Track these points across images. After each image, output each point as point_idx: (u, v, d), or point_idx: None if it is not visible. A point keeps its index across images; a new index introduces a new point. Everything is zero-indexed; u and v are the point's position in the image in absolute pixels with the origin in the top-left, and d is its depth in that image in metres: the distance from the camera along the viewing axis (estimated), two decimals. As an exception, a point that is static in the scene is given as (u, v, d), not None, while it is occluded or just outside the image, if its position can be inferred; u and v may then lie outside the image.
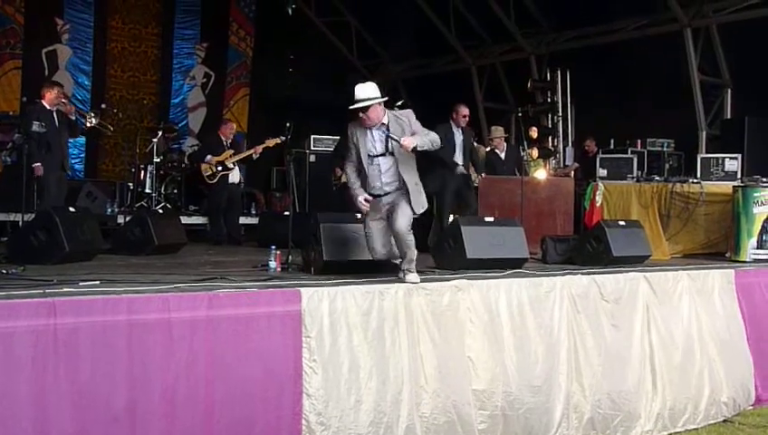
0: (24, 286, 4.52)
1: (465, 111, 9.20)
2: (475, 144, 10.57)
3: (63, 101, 8.67)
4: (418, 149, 5.59)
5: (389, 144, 5.56)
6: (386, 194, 5.63)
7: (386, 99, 5.74)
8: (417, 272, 5.57)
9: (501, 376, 5.45)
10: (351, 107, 5.60)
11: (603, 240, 7.38)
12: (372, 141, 5.63)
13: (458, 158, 9.08)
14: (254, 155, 10.49)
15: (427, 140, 5.66)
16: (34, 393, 3.74)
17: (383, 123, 5.62)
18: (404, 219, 5.54)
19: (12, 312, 3.76)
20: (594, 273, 6.45)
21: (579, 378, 5.93)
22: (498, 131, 10.46)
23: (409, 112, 5.81)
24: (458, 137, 9.13)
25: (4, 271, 5.30)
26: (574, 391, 5.87)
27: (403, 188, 5.60)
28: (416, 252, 5.62)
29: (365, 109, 5.54)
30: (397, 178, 5.62)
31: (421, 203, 5.66)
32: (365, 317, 4.92)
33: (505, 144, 10.42)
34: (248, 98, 15.32)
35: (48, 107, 8.34)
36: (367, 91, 5.63)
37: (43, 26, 12.86)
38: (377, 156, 5.61)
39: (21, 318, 3.75)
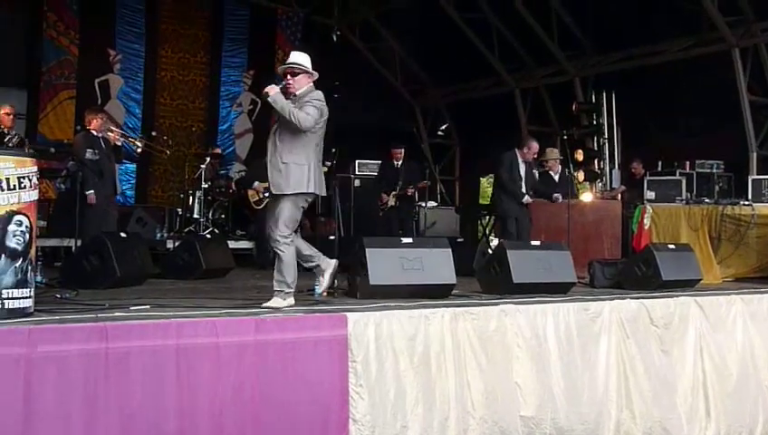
0: (76, 311, 4.59)
1: (536, 147, 9.31)
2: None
3: (112, 127, 8.86)
4: (272, 104, 5.36)
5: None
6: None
7: (316, 75, 5.67)
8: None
9: (549, 402, 5.37)
10: (281, 66, 5.61)
11: (652, 264, 7.26)
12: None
13: (523, 187, 9.19)
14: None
15: (290, 108, 5.32)
16: (86, 417, 3.77)
17: (295, 94, 5.52)
18: (276, 219, 5.33)
19: (65, 336, 3.82)
20: (643, 297, 6.34)
21: (629, 405, 5.82)
22: (553, 153, 10.41)
23: (318, 93, 5.57)
24: (523, 167, 9.19)
25: (58, 295, 5.39)
26: (624, 419, 5.75)
27: (277, 170, 5.36)
28: (288, 264, 5.33)
29: (294, 73, 5.50)
30: (273, 153, 5.43)
31: (295, 184, 5.32)
32: (411, 342, 4.89)
33: (560, 166, 10.34)
34: (294, 124, 15.45)
35: (96, 134, 8.51)
36: (301, 58, 5.62)
37: (96, 57, 13.19)
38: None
39: (74, 342, 3.80)
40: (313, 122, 5.42)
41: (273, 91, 5.43)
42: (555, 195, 9.45)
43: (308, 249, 5.74)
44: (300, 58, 5.64)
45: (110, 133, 8.82)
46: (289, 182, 5.38)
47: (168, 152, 10.99)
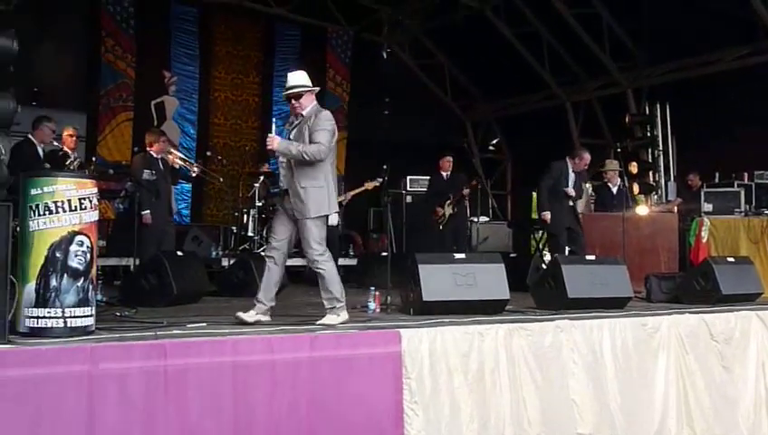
0: (136, 328, 4.69)
1: (588, 158, 9.25)
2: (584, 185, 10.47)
3: (171, 150, 9.03)
4: (279, 156, 5.41)
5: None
6: (286, 192, 5.50)
7: (317, 89, 5.72)
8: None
9: (607, 420, 5.29)
10: (284, 93, 5.60)
11: (711, 277, 7.11)
12: (289, 130, 5.60)
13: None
14: (343, 201, 10.63)
15: (299, 150, 5.33)
16: (146, 433, 3.84)
17: (302, 114, 5.53)
18: (307, 241, 5.35)
19: (126, 353, 3.90)
20: (703, 311, 6.21)
21: (689, 422, 5.70)
22: (613, 164, 10.29)
23: (326, 114, 5.54)
24: (572, 177, 9.15)
25: (118, 313, 5.51)
26: (685, 436, 5.64)
27: (297, 196, 5.37)
28: (332, 279, 5.41)
29: (298, 96, 5.52)
30: (290, 179, 5.43)
31: (317, 207, 5.35)
32: (465, 358, 4.87)
33: (618, 179, 10.20)
34: (345, 141, 15.56)
35: (155, 155, 8.67)
36: (299, 78, 5.61)
37: (153, 79, 13.47)
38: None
39: (134, 359, 3.88)
40: (328, 150, 5.42)
41: (275, 143, 5.40)
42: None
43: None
44: (298, 79, 5.62)
45: (169, 155, 9.00)
46: (310, 207, 5.39)
47: (221, 179, 11.19)
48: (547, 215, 9.16)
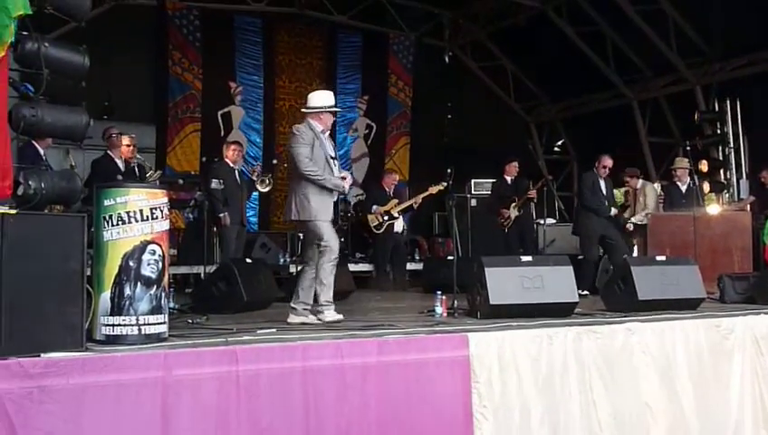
0: (207, 335, 4.77)
1: (608, 161, 9.21)
2: (639, 181, 10.30)
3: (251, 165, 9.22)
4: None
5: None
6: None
7: (316, 109, 6.25)
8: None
9: (680, 423, 5.16)
10: (332, 109, 6.28)
11: (787, 277, 6.89)
12: (328, 144, 6.20)
13: (607, 205, 9.12)
14: (414, 205, 10.64)
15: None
16: (219, 437, 3.91)
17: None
18: None
19: (198, 360, 3.97)
20: (779, 312, 6.02)
21: (766, 425, 5.52)
22: (683, 162, 10.14)
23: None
24: (603, 184, 9.15)
25: (190, 320, 5.61)
26: (762, 439, 5.47)
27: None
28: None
29: (336, 113, 6.27)
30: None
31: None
32: (534, 362, 4.82)
33: (688, 177, 10.00)
34: (409, 146, 15.58)
35: (231, 164, 8.82)
36: (333, 98, 6.33)
37: (219, 90, 13.71)
38: (333, 158, 6.16)
39: (206, 365, 3.95)
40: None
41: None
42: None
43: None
44: (332, 98, 6.36)
45: (250, 168, 9.19)
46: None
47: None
48: (615, 211, 9.30)
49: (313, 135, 6.06)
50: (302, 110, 6.25)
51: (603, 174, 9.15)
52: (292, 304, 5.90)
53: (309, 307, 5.90)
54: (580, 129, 15.85)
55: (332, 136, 6.89)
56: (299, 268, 6.48)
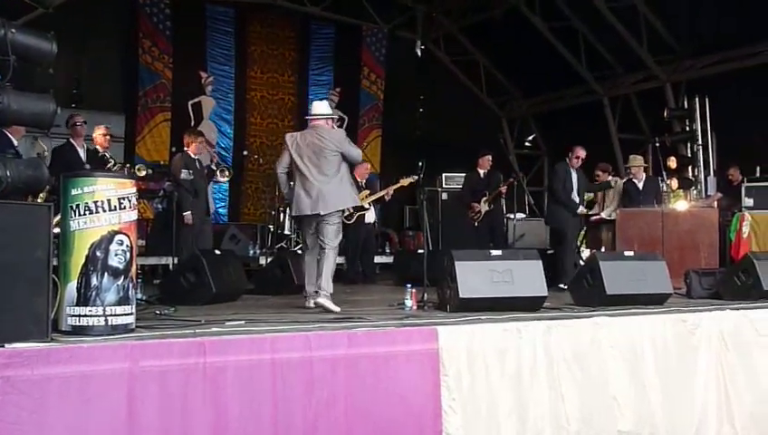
0: (175, 326, 4.73)
1: (581, 152, 9.25)
2: (610, 176, 10.41)
3: (209, 150, 9.12)
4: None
5: None
6: None
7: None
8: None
9: (647, 417, 5.22)
10: (336, 115, 6.88)
11: (752, 273, 6.97)
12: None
13: (575, 197, 9.15)
14: (386, 196, 10.64)
15: None
16: (185, 430, 3.88)
17: None
18: None
19: (165, 351, 3.94)
20: (744, 308, 6.10)
21: (730, 419, 5.60)
22: (636, 160, 10.26)
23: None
24: (574, 176, 9.20)
25: (158, 312, 5.56)
26: (725, 433, 5.54)
27: None
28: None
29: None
30: None
31: None
32: (503, 355, 4.84)
33: (644, 174, 10.16)
34: (381, 139, 15.59)
35: (193, 156, 8.75)
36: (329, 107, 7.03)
37: (189, 80, 13.61)
38: None
39: (174, 357, 3.91)
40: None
41: None
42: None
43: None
44: (329, 108, 7.10)
45: (208, 153, 9.10)
46: None
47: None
48: (583, 210, 9.39)
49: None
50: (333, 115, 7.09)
51: (576, 165, 9.20)
52: (323, 291, 6.23)
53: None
54: (552, 124, 15.98)
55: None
56: (306, 258, 6.80)
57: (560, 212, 9.13)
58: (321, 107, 6.93)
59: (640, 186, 10.01)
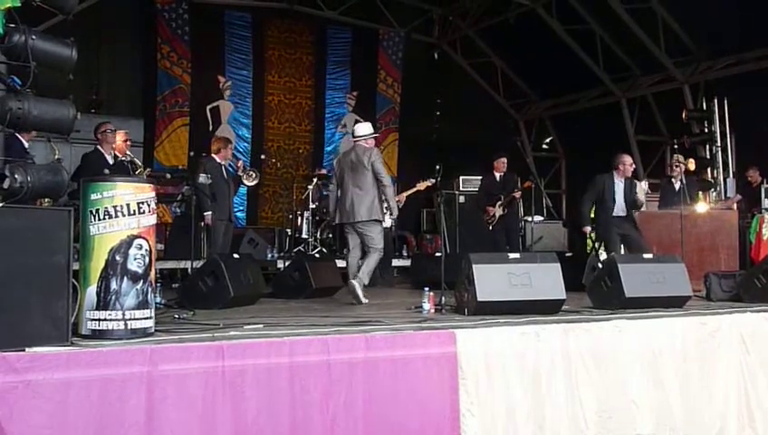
0: (194, 330, 4.74)
1: (627, 159, 8.90)
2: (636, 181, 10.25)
3: (240, 163, 9.24)
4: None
5: None
6: None
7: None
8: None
9: (667, 421, 5.18)
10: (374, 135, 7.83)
11: (773, 275, 6.91)
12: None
13: (618, 208, 8.79)
14: (399, 202, 10.63)
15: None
16: (204, 433, 3.89)
17: None
18: None
19: (184, 354, 3.95)
20: (765, 310, 6.04)
21: (751, 422, 5.54)
22: (681, 158, 10.06)
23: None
24: (620, 186, 8.80)
25: (176, 316, 5.58)
26: (747, 437, 5.49)
27: None
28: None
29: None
30: None
31: None
32: (521, 359, 4.82)
33: (683, 175, 9.92)
34: (397, 142, 15.59)
35: (218, 161, 8.82)
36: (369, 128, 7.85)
37: (207, 84, 13.69)
38: None
39: (192, 361, 3.93)
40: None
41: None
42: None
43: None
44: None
45: (236, 163, 9.20)
46: None
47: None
48: (586, 229, 9.08)
49: None
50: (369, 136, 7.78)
51: (626, 173, 8.81)
52: (359, 279, 7.24)
53: None
54: (569, 126, 15.92)
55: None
56: (348, 257, 7.85)
57: (601, 222, 8.90)
58: (359, 129, 7.82)
59: (677, 187, 9.87)
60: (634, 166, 8.99)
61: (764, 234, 9.16)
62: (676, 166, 10.02)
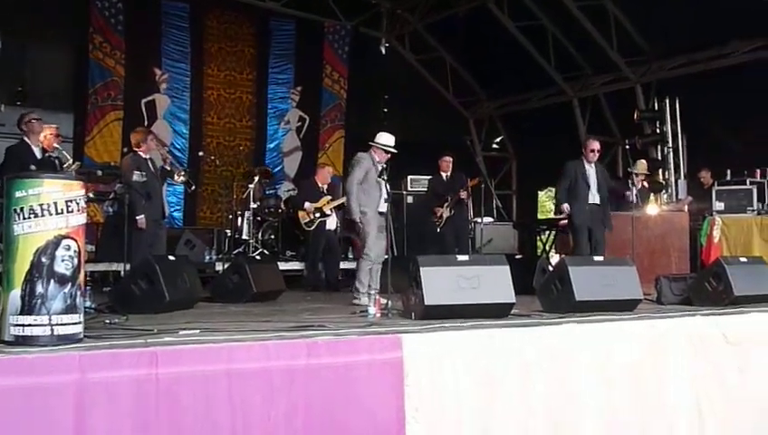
0: (126, 336, 4.66)
1: (594, 144, 9.12)
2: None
3: (161, 149, 9.02)
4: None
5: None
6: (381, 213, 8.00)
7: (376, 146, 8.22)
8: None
9: (617, 427, 5.27)
10: (393, 150, 8.26)
11: (723, 278, 7.07)
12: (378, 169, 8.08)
13: (593, 194, 8.99)
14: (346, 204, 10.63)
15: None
16: (137, 444, 3.84)
17: None
18: None
19: (115, 362, 3.88)
20: (715, 313, 6.19)
21: (702, 428, 5.67)
22: (643, 166, 10.15)
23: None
24: (591, 172, 9.05)
25: (107, 321, 5.48)
26: (698, 443, 5.62)
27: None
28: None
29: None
30: None
31: None
32: (468, 364, 4.85)
33: (641, 184, 10.07)
34: (343, 140, 15.58)
35: (144, 156, 8.64)
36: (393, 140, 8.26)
37: (143, 77, 13.50)
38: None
39: (124, 368, 3.86)
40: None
41: None
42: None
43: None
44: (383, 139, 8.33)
45: (161, 152, 9.00)
46: None
47: (193, 187, 10.99)
48: (565, 206, 9.18)
49: (372, 163, 8.10)
50: (370, 142, 8.27)
51: (592, 159, 9.02)
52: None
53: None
54: (520, 126, 16.11)
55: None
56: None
57: (573, 213, 9.05)
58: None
59: (632, 199, 9.83)
60: (598, 153, 9.10)
61: (715, 236, 9.39)
62: (636, 175, 10.12)
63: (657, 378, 5.57)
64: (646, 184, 10.26)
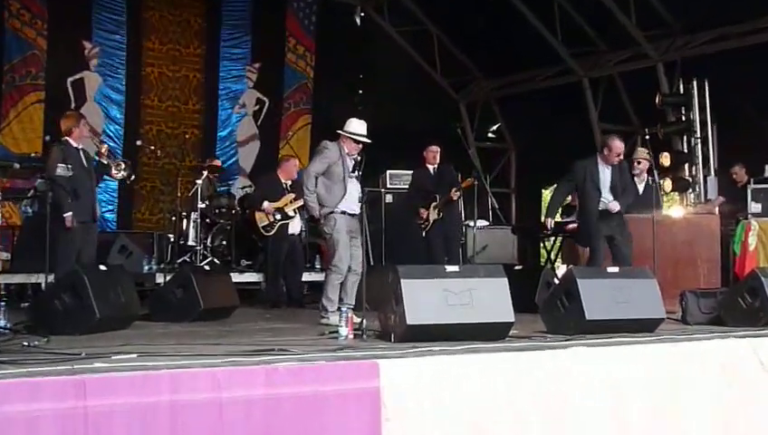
0: (48, 362, 4.65)
1: (619, 146, 9.05)
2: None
3: (94, 139, 8.96)
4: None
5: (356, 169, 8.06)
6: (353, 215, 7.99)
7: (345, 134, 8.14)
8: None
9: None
10: (365, 139, 8.10)
11: (760, 294, 7.16)
12: (349, 164, 8.06)
13: (605, 201, 8.98)
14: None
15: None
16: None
17: None
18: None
19: (35, 392, 3.87)
20: (750, 335, 6.26)
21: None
22: (644, 153, 10.18)
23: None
24: (606, 174, 9.02)
25: (25, 343, 5.47)
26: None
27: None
28: None
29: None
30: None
31: None
32: (459, 396, 4.88)
33: (646, 174, 10.07)
34: (310, 127, 15.57)
35: (74, 144, 8.56)
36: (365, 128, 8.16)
37: (69, 51, 13.40)
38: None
39: (45, 400, 3.85)
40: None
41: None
42: None
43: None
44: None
45: (97, 145, 8.94)
46: None
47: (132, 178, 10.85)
48: (548, 222, 9.40)
49: (339, 155, 8.01)
50: (338, 131, 8.14)
51: (612, 161, 8.98)
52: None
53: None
54: (520, 111, 16.13)
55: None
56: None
57: (584, 221, 9.10)
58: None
59: (641, 187, 10.02)
60: (620, 156, 9.07)
61: (750, 243, 9.46)
62: (638, 163, 10.10)
63: (680, 413, 5.62)
64: (646, 175, 10.19)
